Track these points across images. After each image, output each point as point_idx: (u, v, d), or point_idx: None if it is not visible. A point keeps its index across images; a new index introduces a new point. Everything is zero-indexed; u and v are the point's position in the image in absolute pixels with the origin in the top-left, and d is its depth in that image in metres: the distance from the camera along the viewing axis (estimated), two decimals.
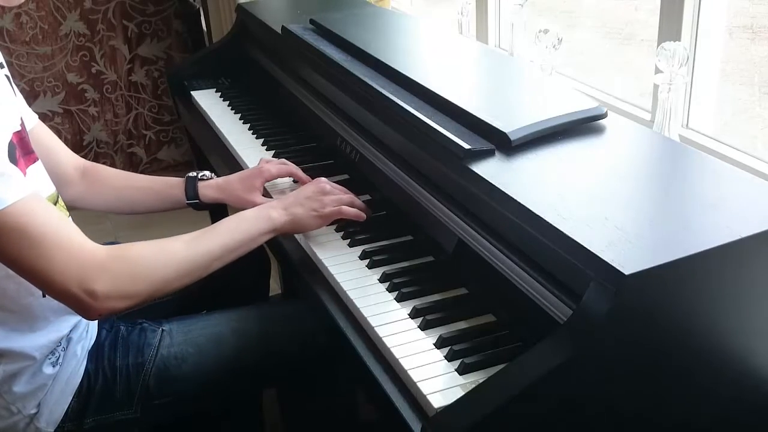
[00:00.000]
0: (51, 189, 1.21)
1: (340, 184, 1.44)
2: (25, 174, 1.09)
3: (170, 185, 1.44)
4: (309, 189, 1.27)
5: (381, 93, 1.34)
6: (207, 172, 1.46)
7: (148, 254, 1.08)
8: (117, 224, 2.95)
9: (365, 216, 1.27)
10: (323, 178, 1.32)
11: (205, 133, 1.82)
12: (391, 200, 1.32)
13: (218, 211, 1.96)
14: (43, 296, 1.12)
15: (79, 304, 1.01)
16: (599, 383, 0.86)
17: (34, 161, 1.16)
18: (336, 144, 1.52)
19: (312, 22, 1.75)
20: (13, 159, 1.04)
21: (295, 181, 1.45)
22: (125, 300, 1.04)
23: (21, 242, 0.97)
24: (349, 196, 1.28)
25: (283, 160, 1.46)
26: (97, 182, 1.42)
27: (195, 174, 1.44)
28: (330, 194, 1.26)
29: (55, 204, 1.20)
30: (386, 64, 1.43)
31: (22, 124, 1.15)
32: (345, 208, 1.25)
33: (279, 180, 1.44)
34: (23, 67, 3.14)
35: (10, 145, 1.04)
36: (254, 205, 1.36)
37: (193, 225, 1.50)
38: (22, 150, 1.11)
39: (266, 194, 1.42)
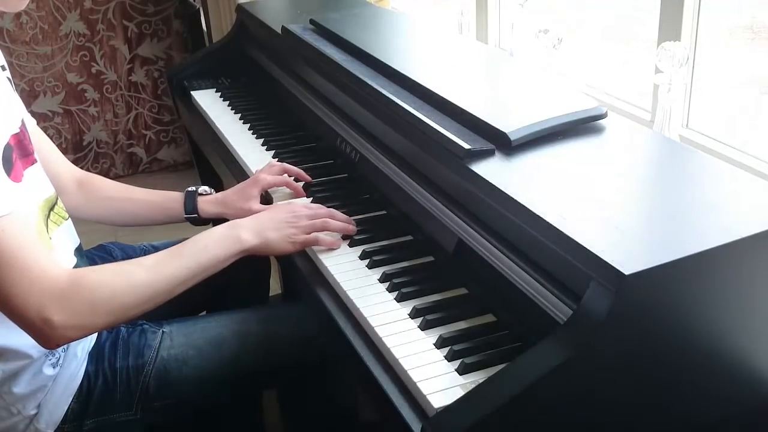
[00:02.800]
0: (50, 191, 1.21)
1: (339, 184, 1.45)
2: (22, 176, 1.08)
3: (169, 199, 1.43)
4: (284, 212, 1.23)
5: (381, 93, 1.34)
6: (206, 187, 1.45)
7: (109, 281, 1.07)
8: None
9: (351, 230, 1.24)
10: (299, 201, 1.28)
11: (205, 133, 1.82)
12: (391, 200, 1.32)
13: (220, 223, 1.95)
14: None
15: (37, 332, 1.01)
16: (599, 383, 0.86)
17: (33, 163, 1.16)
18: (336, 144, 1.52)
19: (312, 22, 1.75)
20: (9, 162, 1.03)
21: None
22: (82, 330, 1.05)
23: None
24: (322, 220, 1.23)
25: (281, 164, 1.44)
26: (93, 194, 1.42)
27: (194, 189, 1.43)
28: (303, 220, 1.22)
29: (53, 207, 1.20)
30: (386, 64, 1.43)
31: (23, 126, 1.15)
32: (321, 237, 1.21)
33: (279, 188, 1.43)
34: (23, 67, 3.14)
35: (7, 147, 1.04)
36: (251, 213, 1.35)
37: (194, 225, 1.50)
38: (19, 152, 1.10)
39: (268, 201, 1.41)
